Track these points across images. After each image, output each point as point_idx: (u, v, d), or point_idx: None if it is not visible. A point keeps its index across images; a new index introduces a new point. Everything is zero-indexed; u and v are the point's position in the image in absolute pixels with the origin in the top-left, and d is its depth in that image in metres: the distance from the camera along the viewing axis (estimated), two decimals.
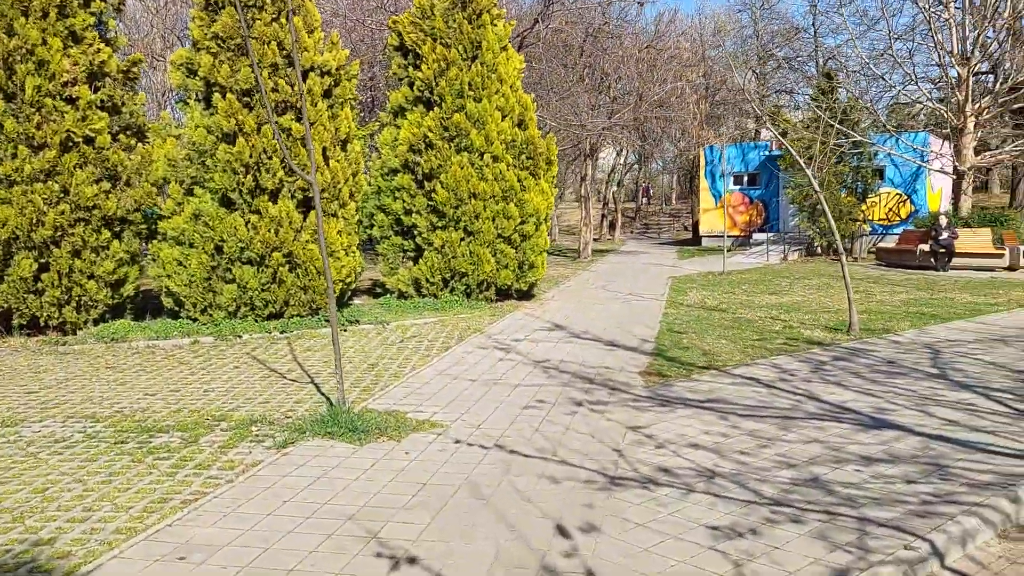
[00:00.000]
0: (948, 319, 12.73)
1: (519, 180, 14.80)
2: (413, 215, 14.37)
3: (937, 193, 31.48)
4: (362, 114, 21.68)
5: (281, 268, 11.77)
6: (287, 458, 6.16)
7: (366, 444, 6.48)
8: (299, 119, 11.98)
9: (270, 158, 11.69)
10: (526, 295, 15.85)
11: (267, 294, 11.80)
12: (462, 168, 14.20)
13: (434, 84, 14.39)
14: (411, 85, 14.68)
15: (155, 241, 12.29)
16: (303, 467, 5.94)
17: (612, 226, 42.73)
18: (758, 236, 32.49)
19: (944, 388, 7.94)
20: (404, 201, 14.39)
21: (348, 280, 12.74)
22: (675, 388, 8.28)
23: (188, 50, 12.32)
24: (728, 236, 35.29)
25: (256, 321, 11.94)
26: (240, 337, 11.44)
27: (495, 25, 14.85)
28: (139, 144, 12.55)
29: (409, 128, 14.24)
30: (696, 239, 39.86)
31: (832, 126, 25.90)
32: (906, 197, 30.84)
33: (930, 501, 4.89)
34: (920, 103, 25.81)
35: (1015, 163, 26.99)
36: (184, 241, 11.83)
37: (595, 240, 32.67)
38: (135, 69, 12.61)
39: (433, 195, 14.21)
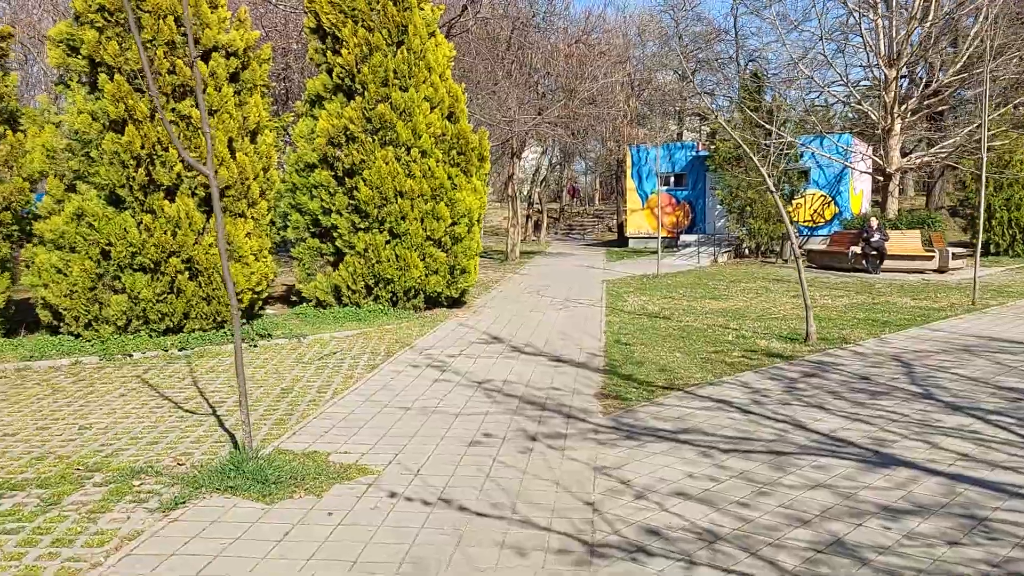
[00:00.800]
0: (902, 326, 12.17)
1: (450, 177, 13.60)
2: (332, 215, 12.99)
3: (859, 195, 31.77)
4: (275, 106, 20.05)
5: (180, 276, 10.25)
6: (176, 526, 4.82)
7: (278, 502, 5.19)
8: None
9: (166, 149, 10.16)
10: (457, 302, 14.67)
11: (163, 306, 10.26)
12: (387, 164, 12.92)
13: (356, 71, 13.05)
14: (330, 72, 13.29)
15: (29, 245, 10.57)
16: (195, 539, 4.62)
17: (537, 227, 41.87)
18: (686, 237, 32.14)
19: (936, 411, 7.15)
20: (322, 200, 13.00)
21: (259, 289, 11.30)
22: (640, 415, 7.25)
23: (70, 24, 10.64)
24: (653, 237, 35.03)
25: (151, 337, 10.38)
26: (131, 356, 9.87)
27: (422, 9, 13.61)
28: (10, 132, 10.80)
29: (328, 119, 12.86)
30: (622, 240, 39.39)
31: (761, 125, 25.63)
32: (830, 199, 30.95)
33: (992, 574, 3.96)
34: (847, 103, 25.74)
35: (942, 165, 27.28)
36: (64, 245, 10.16)
37: (521, 241, 31.69)
38: (3, 45, 10.85)
39: (355, 193, 12.87)
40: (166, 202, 10.20)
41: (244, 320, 10.98)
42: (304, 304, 13.60)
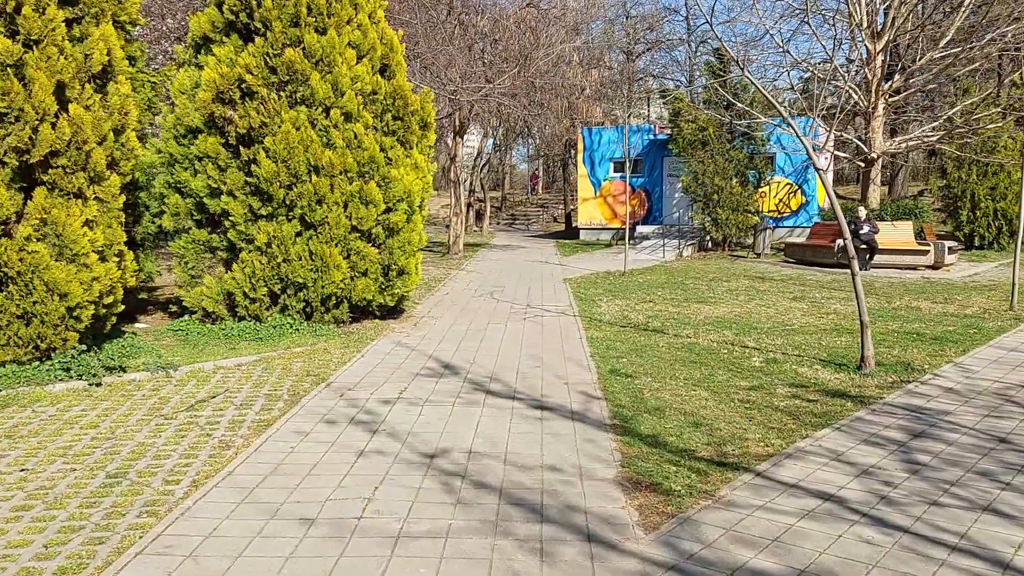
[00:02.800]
0: (959, 342, 9.53)
1: (383, 150, 10.41)
2: (223, 198, 9.64)
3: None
4: (154, 53, 16.40)
5: None
6: None
7: None
8: (13, 35, 7.07)
9: None
10: (394, 311, 11.49)
11: None
12: (298, 129, 9.65)
13: (255, 4, 9.71)
14: (220, 5, 9.90)
15: None
16: None
17: (479, 216, 38.74)
18: (642, 228, 29.49)
19: None
20: (209, 176, 9.63)
21: (109, 301, 7.93)
22: (705, 531, 4.27)
23: None
24: (607, 228, 32.33)
25: None
26: None
27: None
28: None
29: (217, 68, 9.50)
30: (571, 231, 36.60)
31: (731, 104, 23.07)
32: (797, 187, 28.69)
33: None
34: (827, 80, 23.33)
35: (934, 148, 25.15)
36: None
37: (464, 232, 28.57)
38: None
39: (254, 168, 9.56)
40: None
41: (84, 347, 7.60)
42: (187, 316, 10.22)
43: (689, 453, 5.55)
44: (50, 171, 7.26)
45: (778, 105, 8.65)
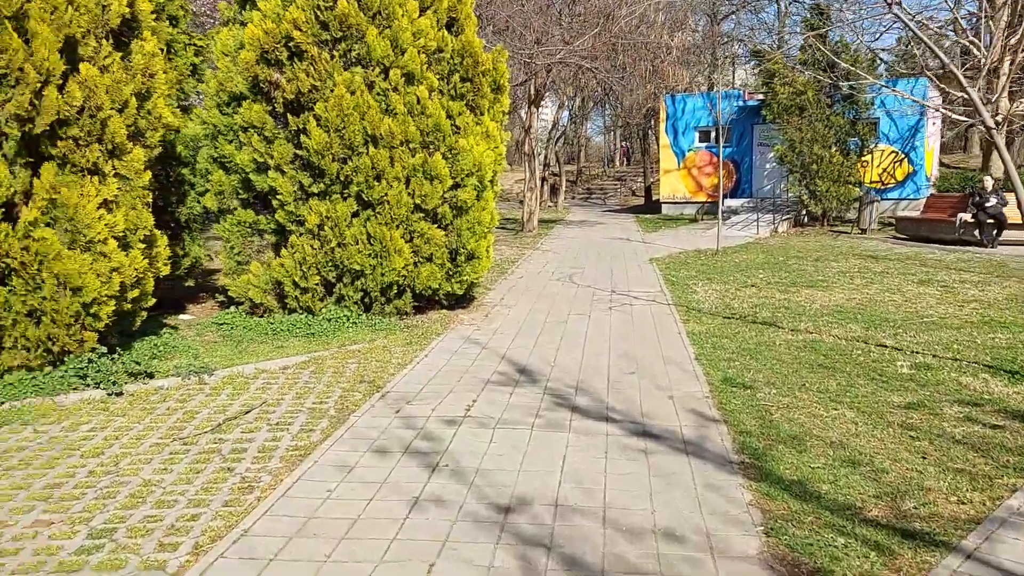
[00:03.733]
0: None
1: (450, 116, 9.09)
2: (271, 173, 8.48)
3: (931, 151, 26.98)
4: (200, 16, 15.41)
5: None
6: None
7: None
8: None
9: None
10: (463, 299, 10.21)
11: None
12: (353, 93, 8.40)
13: None
14: None
15: None
16: None
17: (554, 191, 37.24)
18: (730, 202, 27.48)
19: None
20: (255, 149, 8.48)
21: (133, 295, 6.85)
22: None
23: None
24: (691, 202, 30.40)
25: None
26: None
27: None
28: None
29: (262, 24, 8.30)
30: (651, 205, 34.78)
31: (833, 66, 20.90)
32: (903, 155, 26.19)
33: None
34: (947, 36, 20.90)
35: None
36: None
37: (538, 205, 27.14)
38: None
39: (303, 139, 8.36)
40: None
41: (104, 349, 6.54)
42: (233, 308, 9.15)
43: (855, 512, 4.09)
44: (59, 143, 6.17)
45: (937, 50, 6.94)
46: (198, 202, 9.19)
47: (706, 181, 29.94)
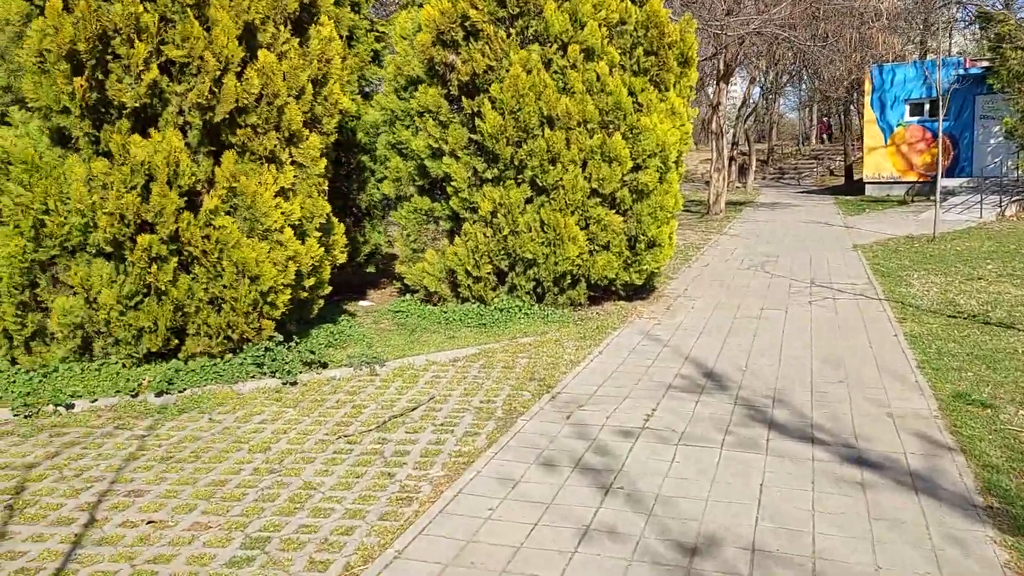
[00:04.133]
0: None
1: (631, 93, 8.43)
2: (445, 159, 8.24)
3: None
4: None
5: (158, 265, 5.94)
6: None
7: None
8: None
9: (131, 42, 5.78)
10: (642, 289, 9.56)
11: (136, 315, 6.01)
12: (529, 72, 7.96)
13: None
14: None
15: None
16: None
17: (743, 171, 35.33)
18: (947, 182, 24.65)
19: None
20: (430, 135, 8.26)
21: (309, 283, 6.82)
22: None
23: None
24: (899, 182, 27.65)
25: (124, 367, 6.21)
26: (70, 408, 5.73)
27: None
28: None
29: (438, 4, 8.04)
30: (851, 186, 32.10)
31: None
32: None
33: None
34: None
35: None
36: None
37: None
38: None
39: (477, 122, 8.03)
40: (135, 137, 5.87)
41: (280, 337, 6.54)
42: (409, 296, 9.04)
43: None
44: (238, 131, 6.18)
45: None
46: (377, 189, 9.16)
47: (917, 159, 27.12)
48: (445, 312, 8.28)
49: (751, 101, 36.15)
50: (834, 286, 10.40)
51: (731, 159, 35.27)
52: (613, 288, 8.99)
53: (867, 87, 27.82)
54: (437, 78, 8.32)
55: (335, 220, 7.38)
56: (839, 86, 30.87)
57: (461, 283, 8.29)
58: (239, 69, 6.06)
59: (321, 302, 7.24)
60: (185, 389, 5.97)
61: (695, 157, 48.11)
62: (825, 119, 45.19)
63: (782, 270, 11.91)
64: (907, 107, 27.39)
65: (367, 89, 9.69)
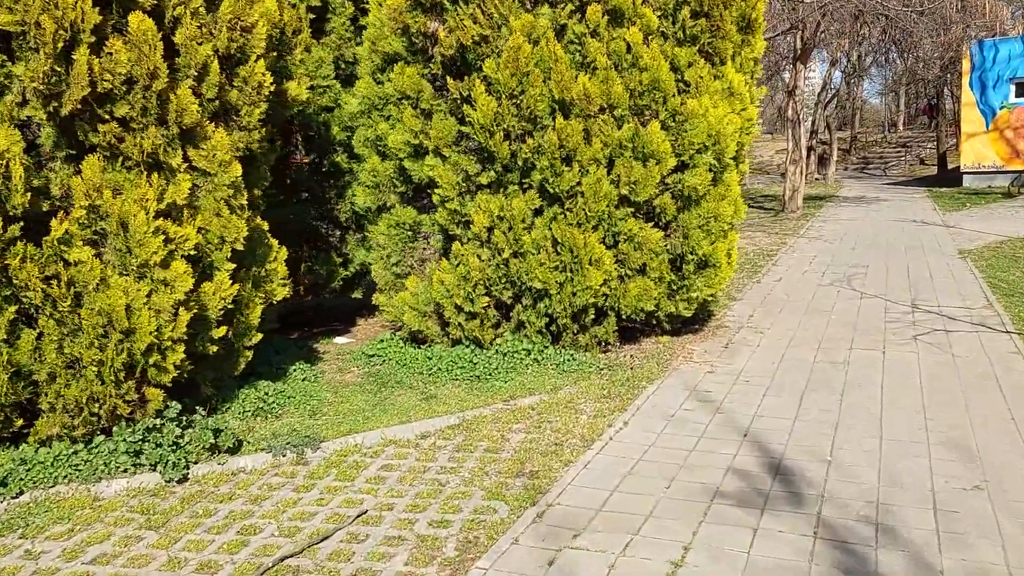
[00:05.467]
0: None
1: (675, 68, 6.39)
2: (428, 159, 6.34)
3: None
4: None
5: None
6: None
7: None
8: None
9: None
10: (693, 320, 7.49)
11: None
12: (535, 44, 6.01)
13: None
14: None
15: None
16: None
17: (823, 162, 32.45)
18: None
19: None
20: (409, 127, 6.37)
21: (217, 333, 5.02)
22: None
23: None
24: (1003, 171, 24.51)
25: None
26: None
27: None
28: None
29: None
30: (945, 176, 28.94)
31: None
32: None
33: None
34: None
35: None
36: None
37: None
38: None
39: (467, 110, 6.11)
40: None
41: (176, 412, 4.75)
42: (390, 334, 7.13)
43: None
44: (100, 127, 4.42)
45: None
46: (349, 204, 7.35)
47: (1021, 145, 23.96)
48: (430, 357, 6.40)
49: (832, 85, 33.15)
50: (943, 311, 8.12)
51: (810, 149, 32.37)
52: (655, 321, 6.96)
53: (965, 66, 24.74)
54: (419, 54, 6.43)
55: (273, 242, 5.59)
56: (931, 65, 27.74)
57: (450, 320, 6.39)
58: (94, 40, 4.29)
59: (249, 354, 5.45)
60: (23, 492, 4.26)
61: (769, 147, 45.04)
62: (929, 98, 40.91)
63: (873, 286, 9.64)
64: (1012, 87, 24.20)
65: (351, 72, 7.86)
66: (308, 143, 7.31)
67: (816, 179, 31.57)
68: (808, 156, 31.37)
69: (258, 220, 5.50)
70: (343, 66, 7.73)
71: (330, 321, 8.08)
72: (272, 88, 5.28)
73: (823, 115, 32.65)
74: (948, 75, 28.46)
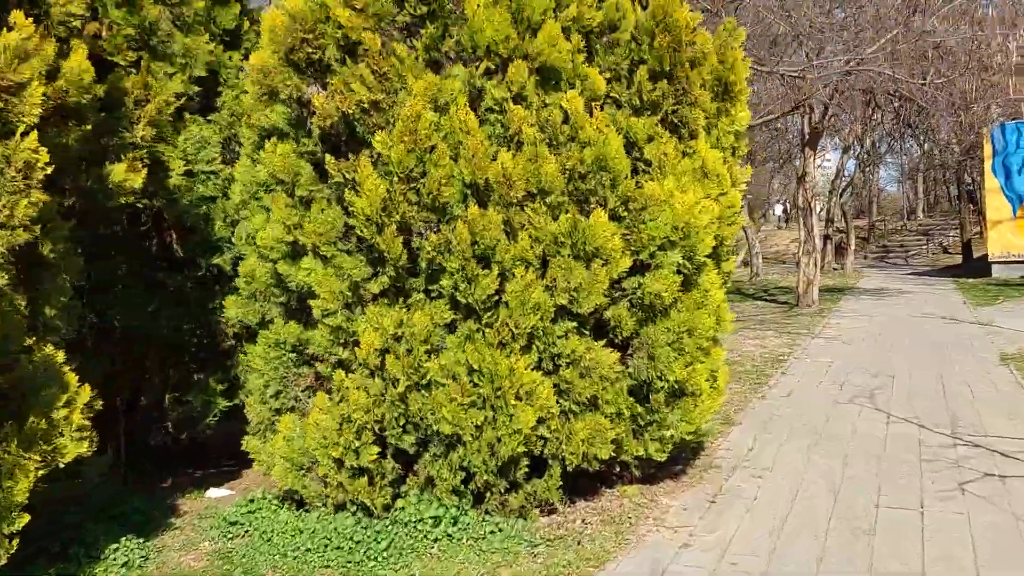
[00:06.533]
0: None
1: (632, 142, 4.95)
2: (305, 261, 4.86)
3: None
4: None
5: None
6: None
7: None
8: None
9: None
10: (672, 461, 5.78)
11: None
12: (442, 110, 4.61)
13: None
14: None
15: None
16: None
17: (840, 251, 30.96)
18: None
19: None
20: (281, 218, 4.91)
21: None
22: None
23: None
24: None
25: None
26: None
27: None
28: None
29: (288, 2, 4.82)
30: (971, 265, 27.30)
31: None
32: None
33: None
34: None
35: None
36: None
37: (820, 269, 21.34)
38: None
39: (348, 195, 4.65)
40: None
41: None
42: (263, 494, 5.43)
43: None
44: None
45: None
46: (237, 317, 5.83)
47: None
48: (302, 530, 4.72)
49: (846, 173, 32.00)
50: (993, 443, 6.39)
51: (826, 237, 30.90)
52: (618, 467, 5.31)
53: (987, 150, 23.46)
54: (298, 126, 5.03)
55: (71, 378, 4.06)
56: (948, 150, 26.46)
57: (329, 479, 4.74)
58: None
59: (12, 545, 3.83)
60: None
61: (785, 235, 43.67)
62: (967, 186, 39.34)
63: (902, 405, 7.92)
64: None
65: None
66: (185, 241, 5.91)
67: (834, 268, 30.02)
68: (825, 245, 29.89)
69: (48, 350, 3.99)
70: (237, 148, 6.37)
71: (221, 458, 6.47)
72: (88, 172, 3.87)
73: (838, 203, 31.38)
74: (968, 160, 27.19)
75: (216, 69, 6.23)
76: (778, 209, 50.98)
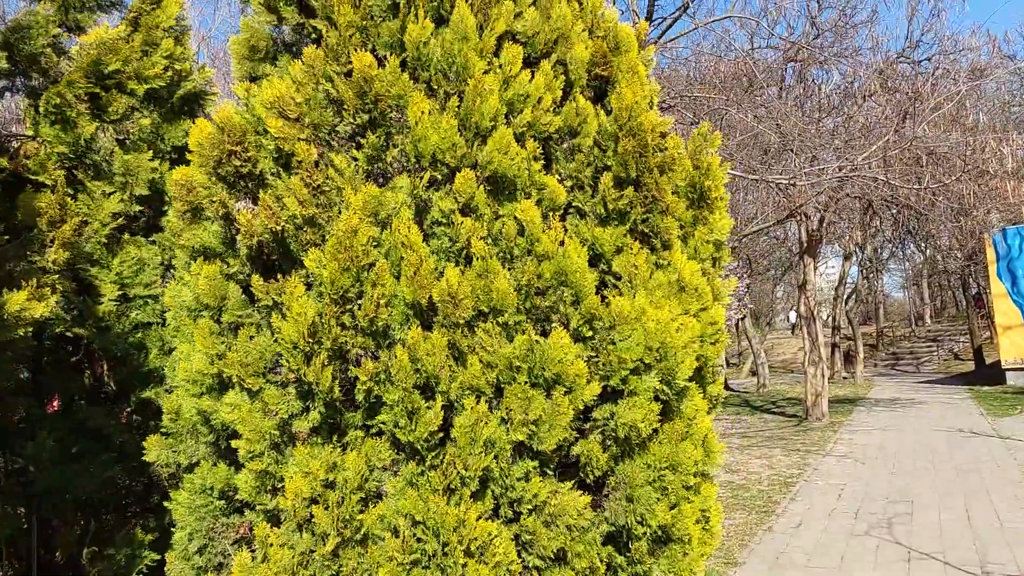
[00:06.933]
0: None
1: (598, 255, 4.48)
2: (229, 396, 4.29)
3: None
4: None
5: None
6: None
7: None
8: None
9: None
10: None
11: None
12: (382, 225, 4.15)
13: None
14: None
15: None
16: None
17: (849, 359, 30.21)
18: None
19: None
20: (204, 348, 4.38)
21: None
22: None
23: None
24: None
25: None
26: None
27: None
28: None
29: (218, 112, 4.45)
30: (984, 372, 26.47)
31: None
32: None
33: None
34: None
35: None
36: None
37: (828, 380, 20.53)
38: None
39: (274, 320, 4.14)
40: None
41: None
42: None
43: None
44: None
45: None
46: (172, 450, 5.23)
47: None
48: None
49: (849, 279, 31.66)
50: None
51: (834, 346, 30.20)
52: None
53: (990, 255, 23.09)
54: (231, 246, 4.58)
55: None
56: (950, 255, 26.13)
57: None
58: None
59: None
60: None
61: (793, 344, 42.92)
62: (978, 292, 38.80)
63: (924, 536, 7.11)
64: None
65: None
66: (115, 372, 5.37)
67: (844, 377, 29.18)
68: (833, 353, 29.17)
69: None
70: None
71: None
72: None
73: (844, 310, 30.88)
74: (972, 264, 26.81)
75: (161, 188, 5.86)
76: (792, 316, 50.53)
